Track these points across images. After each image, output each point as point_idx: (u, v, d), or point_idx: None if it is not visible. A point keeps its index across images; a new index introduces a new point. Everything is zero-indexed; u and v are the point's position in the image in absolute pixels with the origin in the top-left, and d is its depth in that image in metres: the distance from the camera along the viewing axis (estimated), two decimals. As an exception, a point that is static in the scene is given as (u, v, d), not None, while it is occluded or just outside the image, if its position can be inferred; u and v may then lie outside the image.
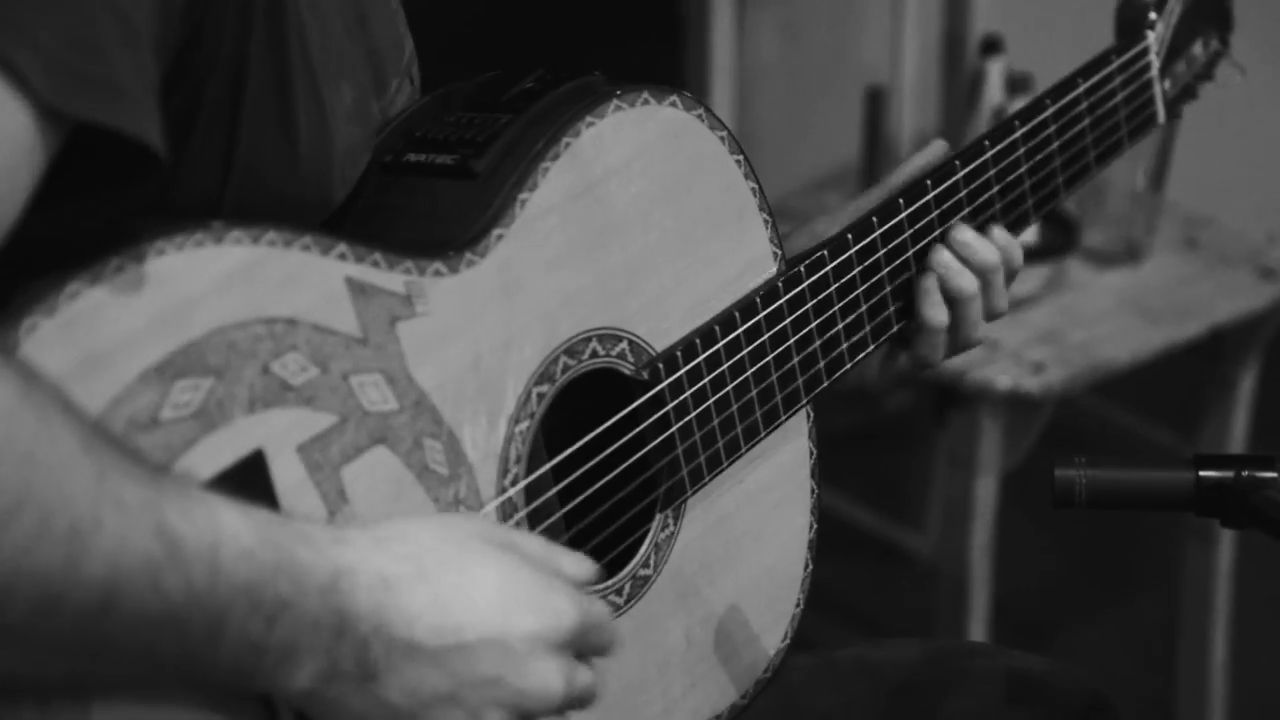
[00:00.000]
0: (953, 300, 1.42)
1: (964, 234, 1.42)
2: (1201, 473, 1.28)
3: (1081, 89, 1.52)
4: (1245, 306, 2.66)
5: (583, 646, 1.11)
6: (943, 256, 1.41)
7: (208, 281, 1.05)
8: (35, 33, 0.95)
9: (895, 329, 1.44)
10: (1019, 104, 2.55)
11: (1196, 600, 2.88)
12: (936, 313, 1.41)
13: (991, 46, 2.73)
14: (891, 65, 2.91)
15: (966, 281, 1.41)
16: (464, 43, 2.68)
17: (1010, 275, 1.45)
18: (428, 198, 1.24)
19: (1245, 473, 1.27)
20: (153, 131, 1.00)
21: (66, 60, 0.96)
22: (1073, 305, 2.62)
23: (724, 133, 1.33)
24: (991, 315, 1.43)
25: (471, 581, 1.06)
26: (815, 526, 1.44)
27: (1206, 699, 2.88)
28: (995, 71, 2.69)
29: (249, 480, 1.06)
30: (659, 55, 2.98)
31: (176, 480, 1.00)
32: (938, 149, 1.47)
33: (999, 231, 1.45)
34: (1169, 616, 2.97)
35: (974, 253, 1.42)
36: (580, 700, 1.10)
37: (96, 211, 1.02)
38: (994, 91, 2.69)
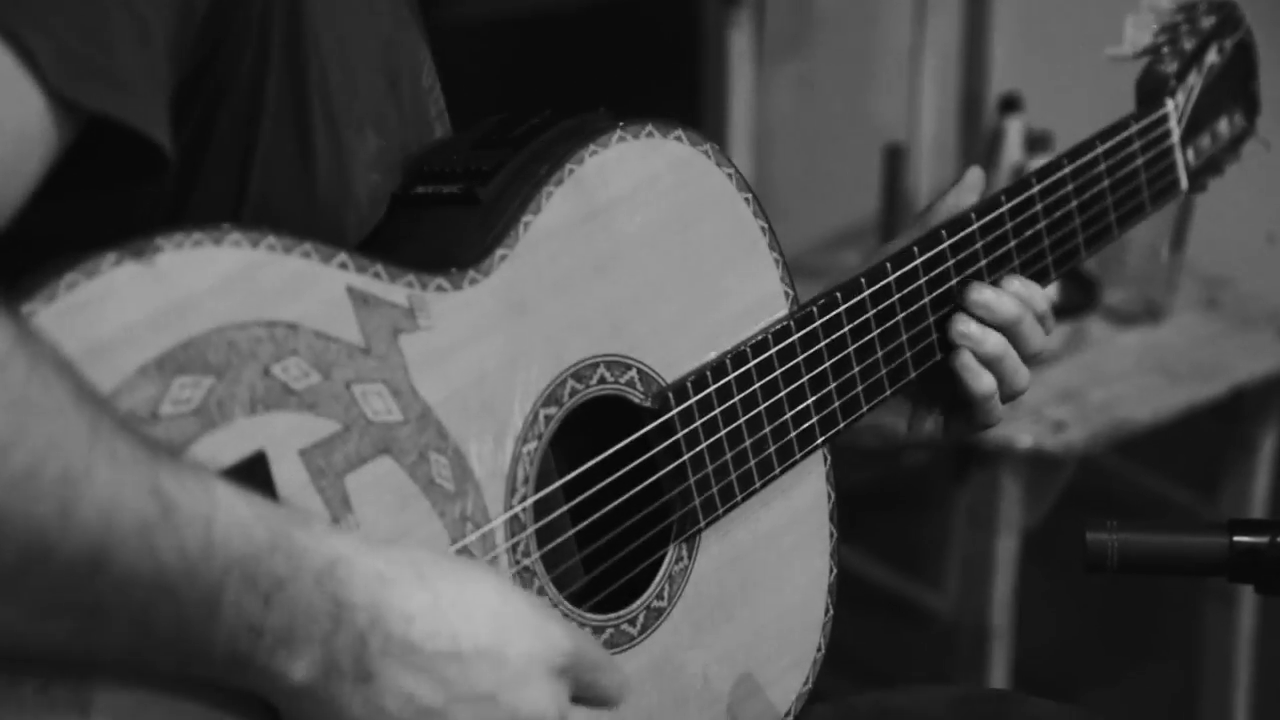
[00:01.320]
0: (988, 363, 1.42)
1: (980, 294, 1.42)
2: (1235, 538, 1.26)
3: (1100, 150, 1.52)
4: (1267, 366, 2.65)
5: (580, 684, 1.09)
6: (966, 328, 1.41)
7: (207, 281, 1.04)
8: (49, 19, 0.95)
9: (912, 375, 1.43)
10: (1039, 162, 2.57)
11: (1218, 664, 2.86)
12: (981, 382, 1.41)
13: (1010, 105, 2.74)
14: (909, 122, 2.92)
15: (994, 343, 1.41)
16: (483, 99, 2.69)
17: (1039, 317, 1.44)
18: (432, 224, 1.24)
19: (1279, 538, 1.25)
20: (160, 127, 0.99)
21: (78, 49, 0.96)
22: (1094, 364, 2.61)
23: (731, 170, 1.33)
24: (1028, 358, 1.43)
25: (470, 595, 1.04)
26: (835, 571, 1.42)
27: (1228, 763, 2.86)
28: (1014, 130, 2.70)
29: (250, 481, 1.04)
30: (678, 111, 2.98)
31: (167, 448, 0.98)
32: (975, 177, 1.47)
33: (1016, 281, 1.44)
34: (1189, 679, 2.95)
35: (993, 311, 1.41)
36: None
37: (102, 211, 1.02)
38: (1013, 149, 2.70)
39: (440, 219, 1.23)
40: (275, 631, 0.98)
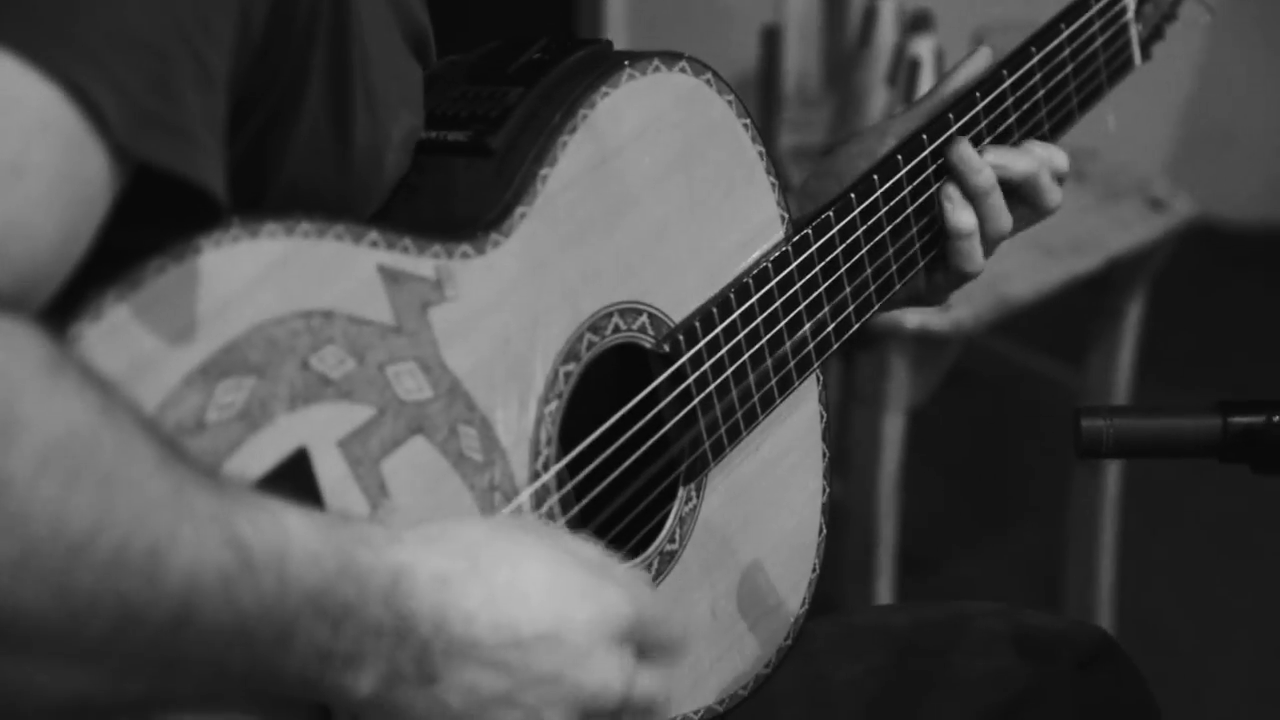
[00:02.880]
0: (973, 196, 1.42)
1: (963, 149, 1.42)
2: (1230, 418, 1.28)
3: (1064, 35, 1.51)
4: (1138, 238, 2.69)
5: (644, 643, 1.08)
6: (960, 150, 1.41)
7: (246, 277, 1.02)
8: (116, 69, 0.94)
9: (898, 286, 1.43)
10: (922, 43, 2.57)
11: (1083, 529, 2.92)
12: (964, 216, 1.42)
13: (880, -16, 2.72)
14: (775, 5, 2.90)
15: (985, 177, 1.42)
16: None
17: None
18: (443, 175, 1.21)
19: (1276, 417, 1.27)
20: (217, 179, 0.99)
21: (143, 101, 0.95)
22: (973, 242, 2.62)
23: (731, 96, 1.32)
24: (1043, 210, 1.46)
25: (525, 576, 1.03)
26: (828, 490, 1.42)
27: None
28: (888, 10, 2.69)
29: (294, 479, 1.04)
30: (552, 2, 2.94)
31: (239, 486, 0.98)
32: (983, 56, 1.48)
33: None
34: (1055, 546, 3.01)
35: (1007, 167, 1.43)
36: (644, 706, 1.07)
37: (146, 240, 0.99)
38: (887, 30, 2.69)
39: (451, 170, 1.20)
40: (343, 655, 0.98)
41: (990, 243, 1.44)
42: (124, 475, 0.90)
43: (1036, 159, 1.45)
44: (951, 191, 1.42)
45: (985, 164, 1.42)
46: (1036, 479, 3.38)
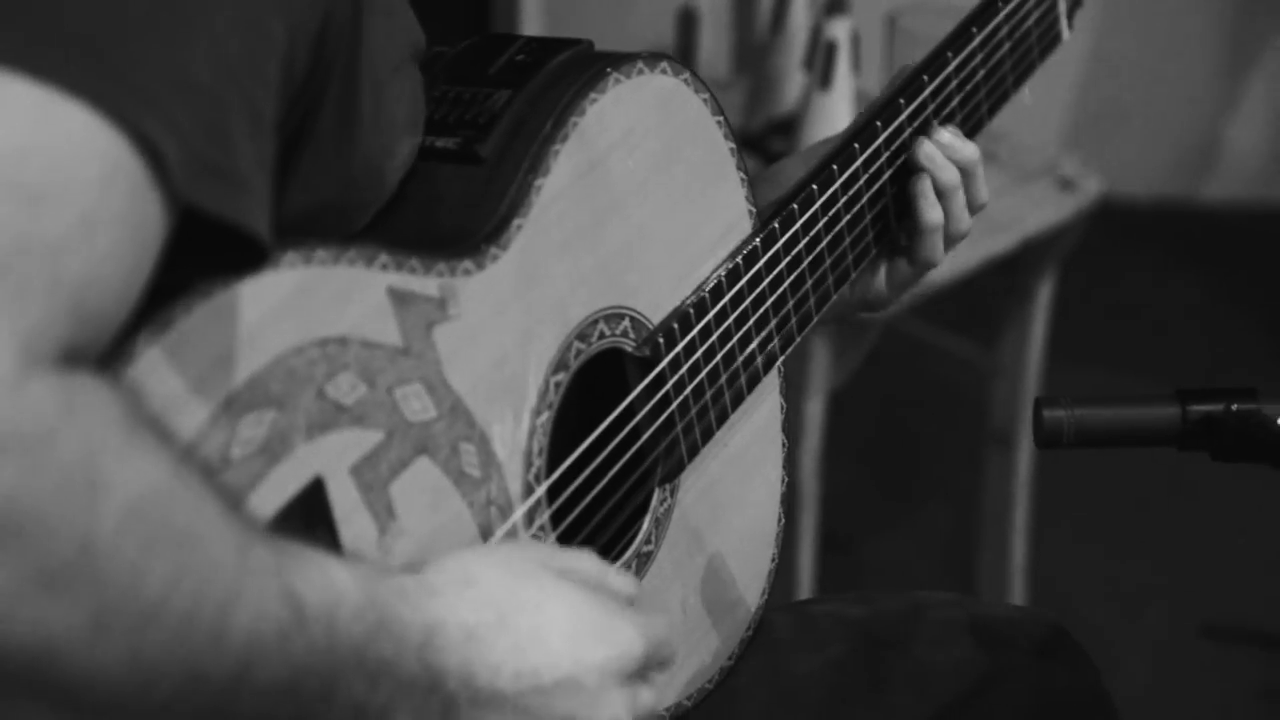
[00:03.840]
0: (941, 194, 1.44)
1: (942, 135, 1.44)
2: (1189, 407, 1.29)
3: (1002, 14, 1.52)
4: (1050, 218, 2.71)
5: (647, 667, 1.11)
6: (927, 148, 1.43)
7: (268, 308, 1.01)
8: (177, 117, 0.94)
9: (854, 275, 1.43)
10: (837, 26, 2.57)
11: (997, 506, 2.94)
12: (933, 211, 1.43)
13: (789, -35, 2.72)
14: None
15: (952, 174, 1.44)
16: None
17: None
18: (430, 183, 1.20)
19: (1235, 405, 1.28)
20: (264, 225, 0.99)
21: (202, 149, 0.95)
22: (891, 224, 2.63)
23: (707, 95, 1.31)
24: (974, 207, 1.47)
25: (546, 621, 1.06)
26: (786, 479, 1.42)
27: (1008, 601, 2.95)
28: (800, -10, 2.69)
29: (310, 509, 1.04)
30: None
31: (286, 538, 0.98)
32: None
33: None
34: (969, 524, 3.04)
35: (955, 150, 1.44)
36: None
37: (183, 279, 0.99)
38: (799, 12, 2.68)
39: (439, 178, 1.19)
40: (377, 708, 0.99)
41: (950, 242, 1.45)
42: (195, 534, 0.90)
43: (975, 149, 1.46)
44: (925, 187, 1.43)
45: (949, 163, 1.43)
46: (950, 458, 3.40)
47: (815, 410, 2.60)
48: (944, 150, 1.44)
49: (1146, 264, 4.09)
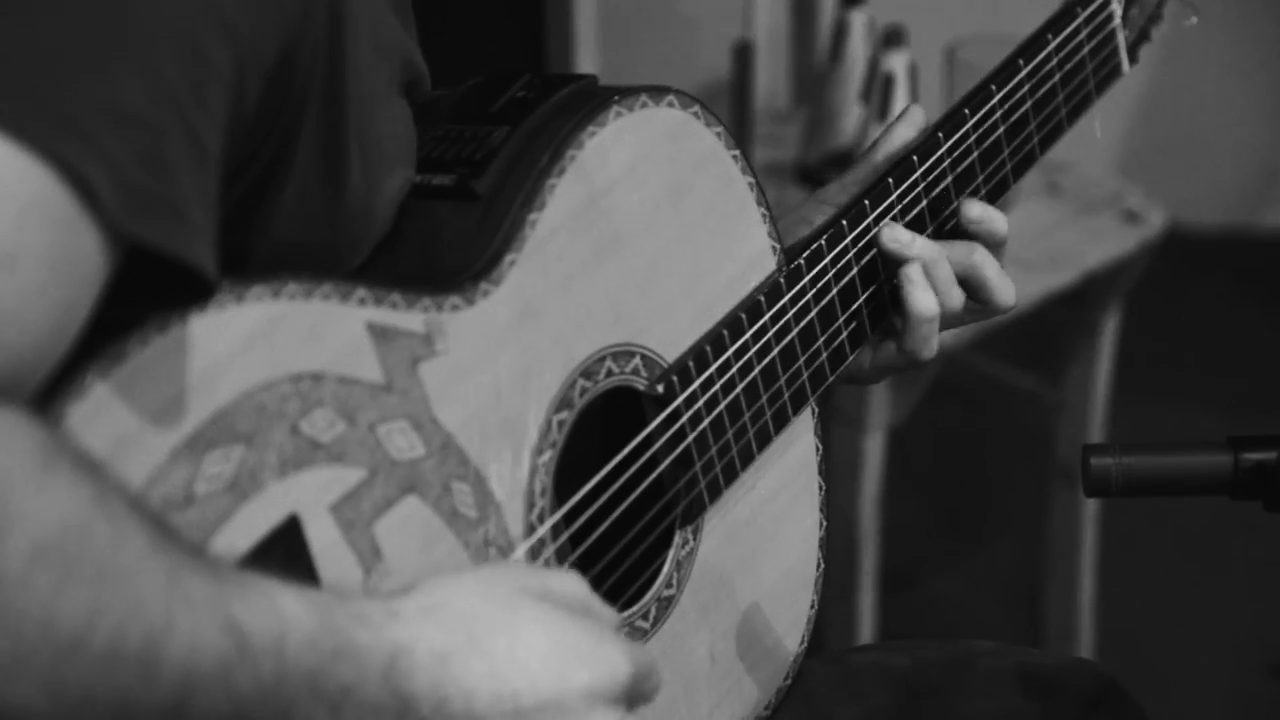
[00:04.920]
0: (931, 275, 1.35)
1: (891, 231, 1.36)
2: (1241, 455, 1.25)
3: (1052, 45, 1.48)
4: (1113, 251, 2.67)
5: (633, 697, 1.07)
6: (891, 233, 1.35)
7: (232, 344, 0.99)
8: (109, 146, 0.91)
9: (891, 317, 1.40)
10: (895, 58, 2.54)
11: (1064, 544, 2.90)
12: (925, 299, 1.34)
13: (851, -2, 2.69)
14: (744, 18, 2.86)
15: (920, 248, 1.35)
16: None
17: (997, 245, 1.41)
18: (428, 222, 1.18)
19: (1287, 452, 1.24)
20: (208, 257, 0.96)
21: (136, 179, 0.92)
22: (949, 258, 2.60)
23: (720, 129, 1.28)
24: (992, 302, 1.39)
25: (523, 644, 1.01)
26: (825, 524, 1.39)
27: (1075, 640, 2.91)
28: (858, 23, 2.66)
29: (285, 548, 1.02)
30: (522, 10, 2.90)
31: (231, 567, 0.96)
32: (915, 116, 1.43)
33: (977, 206, 1.41)
34: (1035, 562, 2.99)
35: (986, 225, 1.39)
36: None
37: (134, 315, 0.97)
38: (858, 44, 2.66)
39: (436, 216, 1.17)
40: None
41: (944, 324, 1.37)
42: (117, 567, 0.88)
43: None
44: (913, 273, 1.34)
45: (914, 240, 1.35)
46: (1015, 494, 3.35)
47: (875, 446, 2.57)
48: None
49: (1212, 294, 4.04)
